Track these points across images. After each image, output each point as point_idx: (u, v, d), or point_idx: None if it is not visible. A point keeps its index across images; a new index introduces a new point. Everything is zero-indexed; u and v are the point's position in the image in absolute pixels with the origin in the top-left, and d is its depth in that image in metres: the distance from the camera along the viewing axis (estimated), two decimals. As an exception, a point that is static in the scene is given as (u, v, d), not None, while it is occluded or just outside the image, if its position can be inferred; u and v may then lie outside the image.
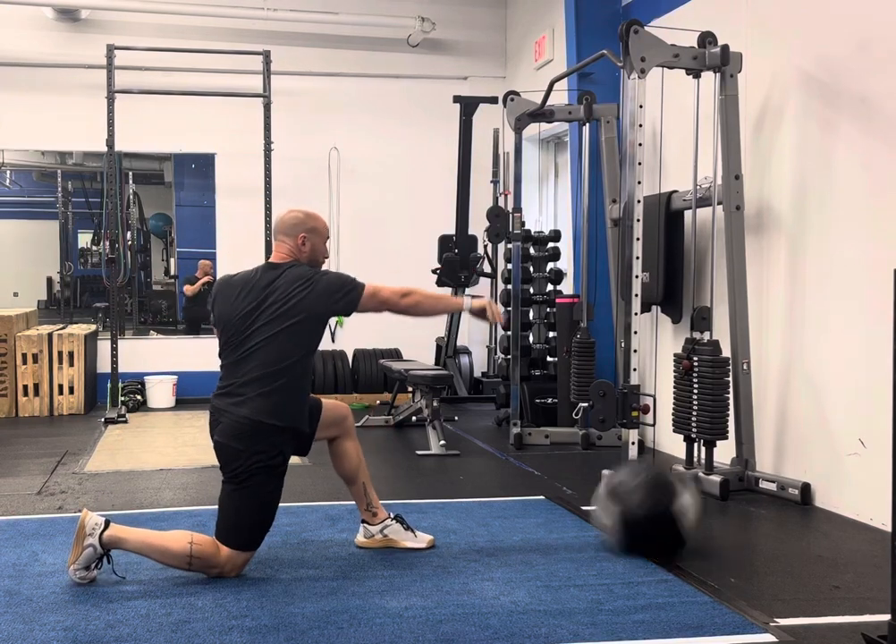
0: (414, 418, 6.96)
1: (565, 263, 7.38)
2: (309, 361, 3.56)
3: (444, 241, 7.98)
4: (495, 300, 8.24)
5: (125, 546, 3.38)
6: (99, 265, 12.78)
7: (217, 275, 8.94)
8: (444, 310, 3.69)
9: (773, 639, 2.89)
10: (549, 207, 8.57)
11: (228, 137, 8.55)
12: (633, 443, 4.70)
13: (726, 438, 4.82)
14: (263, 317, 3.43)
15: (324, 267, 3.65)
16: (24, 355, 7.69)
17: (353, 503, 3.89)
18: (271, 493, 3.43)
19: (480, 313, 3.72)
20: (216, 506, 3.51)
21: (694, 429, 4.85)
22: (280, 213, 3.74)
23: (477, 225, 7.83)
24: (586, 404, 4.92)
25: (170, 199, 12.39)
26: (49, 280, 14.58)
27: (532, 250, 7.10)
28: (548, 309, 7.08)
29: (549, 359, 7.12)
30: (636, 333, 4.70)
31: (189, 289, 10.46)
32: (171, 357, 8.57)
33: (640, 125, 4.71)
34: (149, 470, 5.54)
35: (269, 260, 3.64)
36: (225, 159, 8.69)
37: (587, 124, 6.46)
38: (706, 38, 4.90)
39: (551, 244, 7.10)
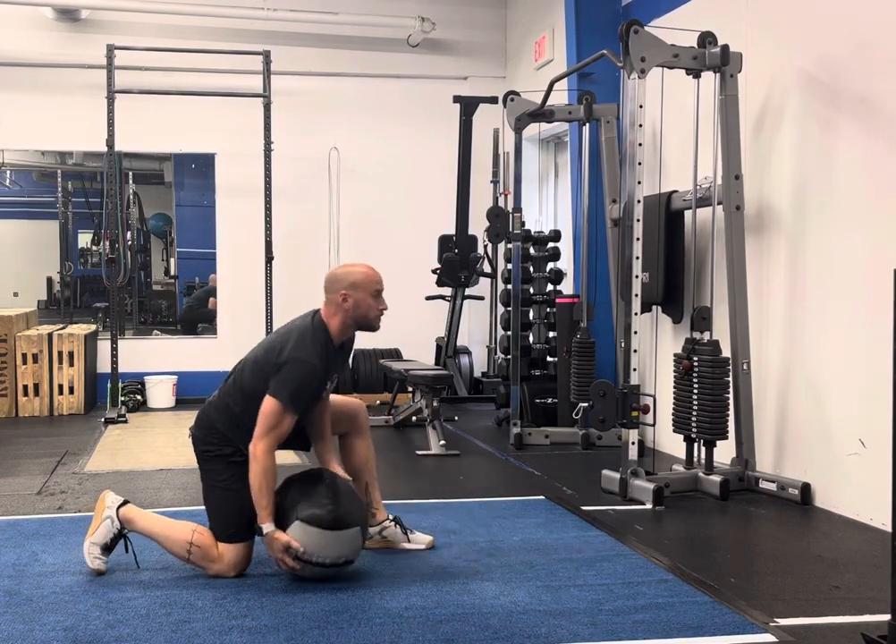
0: (414, 418, 6.96)
1: (565, 263, 7.37)
2: (253, 409, 3.37)
3: (444, 241, 7.98)
4: (495, 300, 8.24)
5: (134, 527, 3.47)
6: (99, 265, 12.77)
7: (217, 275, 8.93)
8: (254, 498, 3.33)
9: (773, 639, 2.89)
10: (549, 207, 8.56)
11: (228, 137, 8.55)
12: (633, 443, 4.71)
13: (726, 438, 4.82)
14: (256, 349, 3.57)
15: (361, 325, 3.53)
16: (24, 355, 7.69)
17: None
18: (231, 480, 3.43)
19: (268, 543, 3.33)
20: (216, 506, 3.52)
21: (694, 429, 4.85)
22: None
23: (477, 225, 7.83)
24: (586, 404, 4.92)
25: (170, 199, 12.38)
26: (49, 280, 14.56)
27: (532, 250, 7.10)
28: (548, 309, 7.08)
29: (549, 359, 7.11)
30: (636, 333, 4.70)
31: (213, 302, 10.10)
32: (171, 357, 8.57)
33: (640, 125, 4.72)
34: (149, 470, 5.54)
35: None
36: (225, 159, 8.68)
37: (587, 124, 6.46)
38: (706, 38, 4.90)
39: (551, 244, 7.10)
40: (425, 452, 6.04)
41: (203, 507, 3.54)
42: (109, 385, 7.85)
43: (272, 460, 3.31)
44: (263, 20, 8.36)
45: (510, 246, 6.63)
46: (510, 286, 6.79)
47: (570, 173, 7.33)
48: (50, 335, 7.77)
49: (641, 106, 4.70)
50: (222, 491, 3.45)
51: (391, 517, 3.83)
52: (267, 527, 3.28)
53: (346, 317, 3.46)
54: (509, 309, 6.86)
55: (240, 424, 3.42)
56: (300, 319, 3.53)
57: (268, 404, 3.31)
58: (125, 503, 3.50)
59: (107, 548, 3.46)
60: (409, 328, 8.53)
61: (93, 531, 3.45)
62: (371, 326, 3.52)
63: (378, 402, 8.11)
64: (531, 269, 7.08)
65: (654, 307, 5.75)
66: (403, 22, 8.58)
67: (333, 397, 3.73)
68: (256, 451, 3.29)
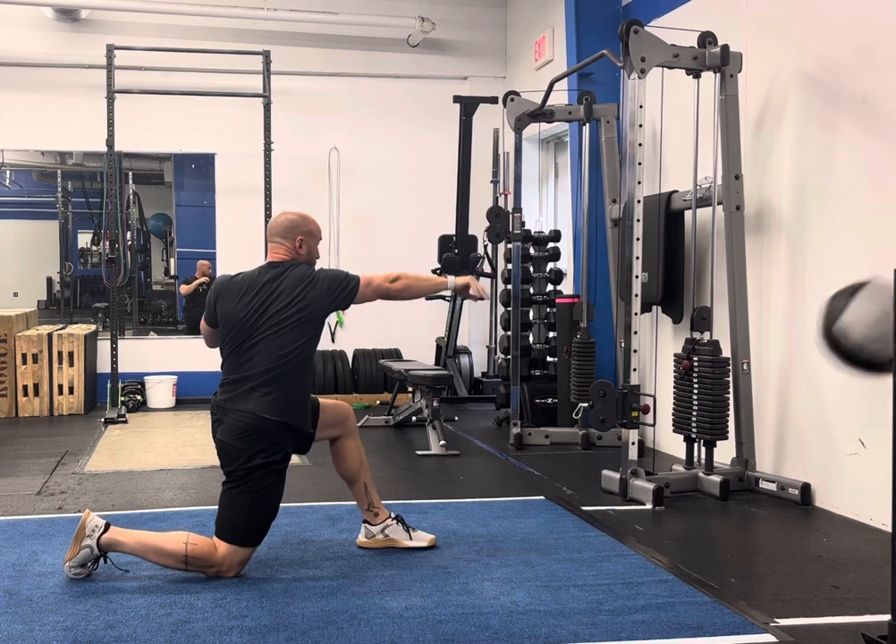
0: (414, 418, 6.96)
1: (565, 263, 7.38)
2: (311, 359, 3.60)
3: (444, 241, 7.98)
4: (495, 300, 8.25)
5: (123, 549, 3.42)
6: (99, 265, 12.77)
7: (217, 275, 8.92)
8: (432, 289, 3.88)
9: (773, 639, 2.89)
10: (549, 207, 8.57)
11: (228, 137, 8.55)
12: (633, 443, 4.71)
13: (726, 438, 4.82)
14: (268, 315, 3.48)
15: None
16: (24, 355, 7.69)
17: (353, 503, 3.89)
18: (270, 488, 3.43)
19: (464, 289, 3.85)
20: (217, 506, 3.51)
21: (694, 429, 4.85)
22: (274, 215, 3.77)
23: (477, 225, 7.82)
24: (586, 404, 4.92)
25: (170, 199, 12.40)
26: (49, 280, 14.58)
27: (532, 250, 7.10)
28: (548, 309, 7.08)
29: (549, 359, 7.11)
30: (636, 333, 4.70)
31: (185, 289, 10.43)
32: (171, 357, 8.57)
33: (640, 125, 4.72)
34: (149, 470, 5.54)
35: (269, 260, 3.65)
36: (225, 159, 8.69)
37: (587, 124, 6.46)
38: (706, 38, 4.90)
39: (551, 244, 7.10)
40: (425, 452, 6.04)
41: (204, 507, 3.54)
42: (109, 385, 7.86)
43: (395, 276, 3.63)
44: (263, 20, 8.37)
45: (510, 246, 6.63)
46: (510, 286, 6.79)
47: (570, 173, 7.32)
48: (50, 335, 7.77)
49: (641, 106, 4.70)
50: (258, 500, 3.41)
51: (393, 515, 3.83)
52: (451, 281, 3.81)
53: (298, 260, 3.64)
54: (509, 309, 6.86)
55: (306, 371, 3.54)
56: (277, 271, 3.56)
57: (360, 284, 3.56)
58: (107, 528, 3.39)
59: (84, 566, 3.41)
60: (410, 328, 8.54)
61: (71, 556, 3.39)
62: None
63: (378, 402, 8.12)
64: (531, 269, 7.08)
65: (654, 307, 5.75)
66: (403, 22, 8.58)
67: (321, 401, 3.74)
68: (389, 281, 3.61)
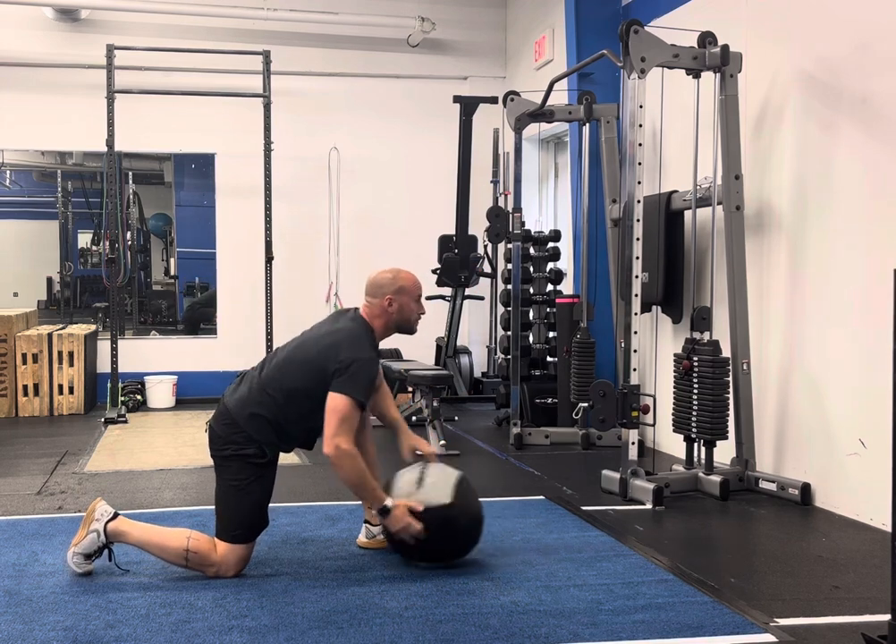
0: (414, 418, 6.96)
1: (565, 263, 7.37)
2: (294, 408, 3.45)
3: (444, 241, 7.98)
4: (495, 300, 8.23)
5: (127, 539, 3.44)
6: (99, 265, 12.75)
7: (217, 274, 8.93)
8: (359, 494, 3.55)
9: (773, 639, 2.89)
10: (549, 207, 8.56)
11: (228, 137, 8.55)
12: (633, 443, 4.71)
13: (726, 438, 4.82)
14: (288, 347, 3.60)
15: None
16: (24, 355, 7.69)
17: (353, 503, 3.90)
18: (251, 482, 3.43)
19: (388, 523, 3.44)
20: (216, 506, 3.52)
21: (694, 429, 4.85)
22: (371, 274, 3.66)
23: (477, 225, 7.83)
24: (586, 404, 4.92)
25: (170, 199, 12.38)
26: (49, 280, 14.56)
27: (532, 250, 7.10)
28: (548, 309, 7.08)
29: (549, 359, 7.11)
30: (636, 333, 4.70)
31: None
32: (171, 357, 8.57)
33: (640, 125, 4.72)
34: (149, 470, 5.54)
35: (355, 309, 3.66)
36: (225, 159, 8.68)
37: (587, 124, 6.46)
38: (706, 38, 4.90)
39: (551, 244, 7.10)
40: (425, 452, 6.03)
41: (204, 507, 3.55)
42: (109, 385, 7.85)
43: (356, 450, 3.39)
44: (263, 20, 8.36)
45: (510, 246, 6.63)
46: (510, 286, 6.79)
47: (570, 173, 7.32)
48: (50, 335, 7.77)
49: (641, 106, 4.70)
50: (235, 491, 3.43)
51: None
52: (389, 501, 3.41)
53: (389, 320, 3.59)
54: (509, 309, 6.86)
55: (276, 424, 3.44)
56: (342, 321, 3.58)
57: (341, 402, 3.35)
58: (115, 516, 3.45)
59: (89, 557, 3.44)
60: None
61: (78, 541, 3.43)
62: (411, 329, 3.69)
63: (378, 402, 8.10)
64: (531, 269, 7.08)
65: (654, 307, 5.75)
66: (403, 22, 8.58)
67: None
68: (341, 447, 3.32)
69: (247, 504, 3.44)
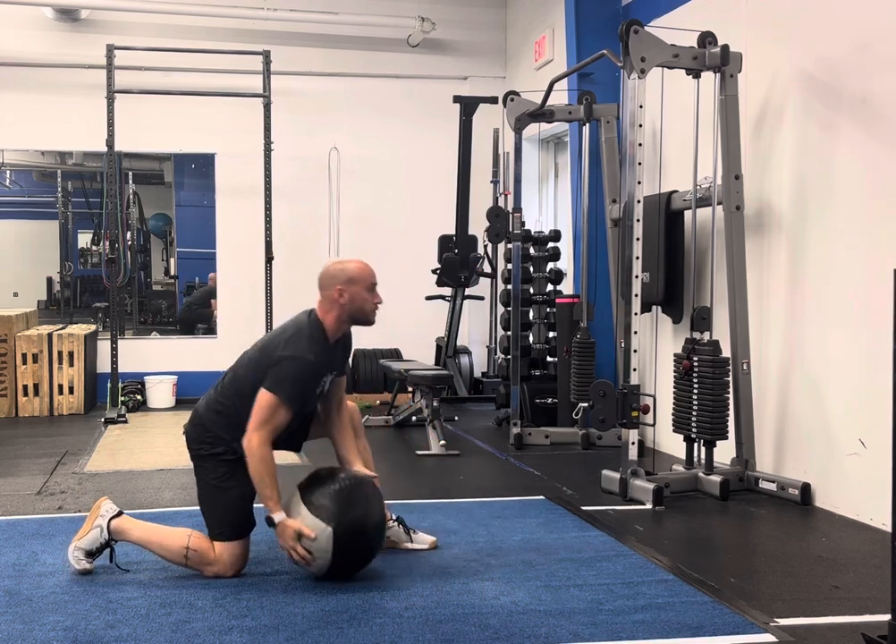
0: (414, 418, 6.96)
1: (565, 263, 7.37)
2: (248, 407, 3.38)
3: (444, 241, 7.98)
4: (495, 300, 8.23)
5: (129, 537, 3.45)
6: (99, 265, 12.75)
7: (217, 275, 8.93)
8: (258, 490, 3.38)
9: (773, 639, 2.89)
10: (549, 207, 8.56)
11: (228, 137, 8.55)
12: (633, 443, 4.71)
13: (726, 438, 4.82)
14: (255, 349, 3.58)
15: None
16: (24, 355, 7.69)
17: (353, 503, 3.88)
18: (226, 478, 3.44)
19: (279, 535, 3.34)
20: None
21: (694, 429, 4.85)
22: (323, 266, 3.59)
23: (477, 225, 7.82)
24: (586, 404, 4.92)
25: (170, 199, 12.37)
26: (49, 280, 14.55)
27: (532, 250, 7.10)
28: (548, 309, 7.08)
29: (549, 359, 7.11)
30: (636, 333, 4.70)
31: (214, 304, 10.18)
32: (171, 357, 8.57)
33: (640, 125, 4.72)
34: (149, 470, 5.54)
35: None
36: (225, 159, 8.68)
37: (587, 124, 6.46)
38: (706, 38, 4.90)
39: (551, 244, 7.10)
40: (425, 452, 6.04)
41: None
42: (109, 385, 7.85)
43: (269, 450, 3.31)
44: (263, 20, 8.36)
45: (510, 246, 6.63)
46: (510, 286, 6.79)
47: (570, 173, 7.32)
48: (50, 335, 7.77)
49: (641, 106, 4.70)
50: (213, 489, 3.46)
51: (394, 517, 3.83)
52: (278, 516, 3.28)
53: (342, 313, 3.48)
54: (509, 309, 6.86)
55: (237, 423, 3.41)
56: (295, 317, 3.57)
57: (264, 397, 3.33)
58: (119, 514, 3.48)
59: (91, 554, 3.45)
60: (410, 328, 8.53)
61: (81, 536, 3.45)
62: (367, 319, 3.54)
63: (378, 402, 8.11)
64: (531, 269, 7.08)
65: (654, 307, 5.75)
66: (403, 22, 8.58)
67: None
68: (251, 443, 3.29)
69: (225, 500, 3.44)
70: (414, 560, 3.67)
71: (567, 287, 7.30)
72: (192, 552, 3.39)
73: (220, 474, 3.45)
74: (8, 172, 13.51)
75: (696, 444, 4.97)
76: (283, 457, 3.65)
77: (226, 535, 3.43)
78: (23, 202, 14.80)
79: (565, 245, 7.24)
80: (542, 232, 7.23)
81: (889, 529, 2.91)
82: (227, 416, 3.47)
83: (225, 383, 3.56)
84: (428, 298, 8.20)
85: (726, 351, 4.87)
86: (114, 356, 7.89)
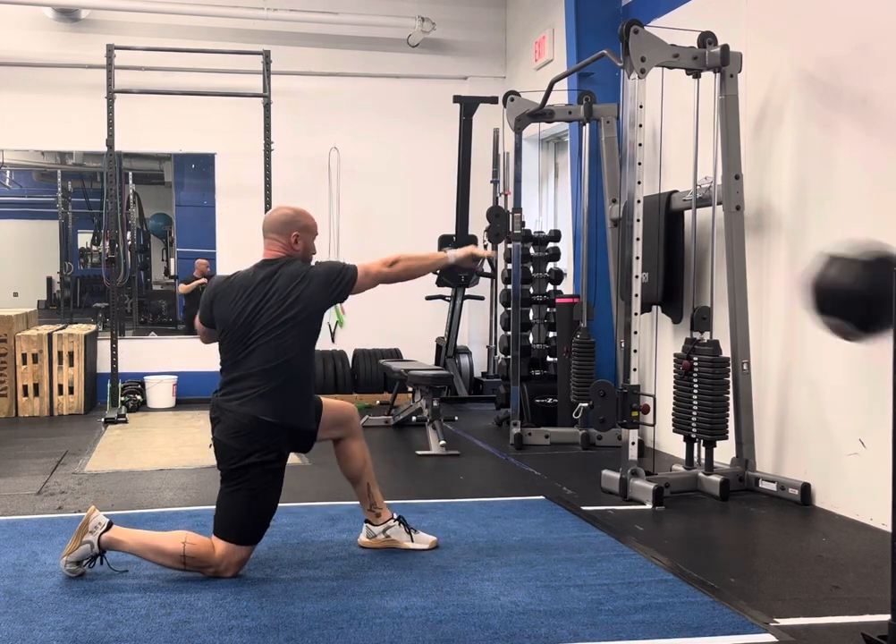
0: (414, 418, 6.96)
1: (565, 263, 7.37)
2: (310, 357, 3.59)
3: (444, 241, 7.97)
4: (495, 300, 8.24)
5: (123, 548, 3.43)
6: (99, 265, 12.76)
7: (217, 274, 8.92)
8: (433, 267, 3.88)
9: (773, 639, 2.89)
10: (549, 207, 8.57)
11: (228, 137, 8.55)
12: (633, 443, 4.71)
13: (726, 438, 4.82)
14: (264, 315, 3.47)
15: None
16: (24, 355, 7.69)
17: (353, 503, 3.89)
18: (266, 487, 3.43)
19: (466, 260, 3.82)
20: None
21: (694, 429, 4.85)
22: (269, 211, 3.77)
23: (477, 225, 7.82)
24: (586, 404, 4.92)
25: (170, 199, 12.39)
26: (49, 280, 14.57)
27: (532, 250, 7.09)
28: (548, 309, 7.08)
29: (549, 359, 7.11)
30: (636, 333, 4.70)
31: (183, 288, 10.43)
32: (171, 357, 8.56)
33: (640, 125, 4.72)
34: (149, 470, 5.54)
35: (263, 258, 3.62)
36: (225, 159, 8.69)
37: (587, 124, 6.46)
38: (706, 38, 4.90)
39: (551, 244, 7.10)
40: (425, 452, 6.04)
41: (204, 507, 3.54)
42: (109, 385, 7.86)
43: (396, 263, 3.67)
44: (263, 20, 8.37)
45: (510, 246, 6.63)
46: (510, 286, 6.79)
47: (570, 173, 7.32)
48: (50, 335, 7.77)
49: (641, 106, 4.70)
50: (249, 496, 3.41)
51: (395, 516, 3.83)
52: (451, 256, 3.77)
53: (294, 257, 3.60)
54: (509, 309, 6.86)
55: (306, 369, 3.52)
56: (265, 268, 3.55)
57: (358, 274, 3.55)
58: (110, 527, 3.42)
59: (80, 563, 3.42)
60: (410, 328, 8.54)
61: (70, 551, 3.41)
62: None
63: (378, 402, 8.11)
64: (531, 269, 7.07)
65: (654, 307, 5.75)
66: (403, 22, 8.58)
67: (325, 401, 3.74)
68: (393, 269, 3.65)
69: (261, 508, 3.44)
70: (414, 560, 3.67)
71: (567, 287, 7.30)
72: (189, 558, 3.38)
73: (262, 483, 3.41)
74: (8, 172, 13.52)
75: (696, 445, 4.97)
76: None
77: (245, 540, 3.42)
78: (23, 202, 14.82)
79: (565, 245, 7.24)
80: (542, 232, 7.23)
81: (889, 529, 2.91)
82: (291, 383, 3.46)
83: (256, 362, 3.44)
84: (428, 298, 8.20)
85: (726, 351, 4.87)
86: (114, 356, 7.89)
